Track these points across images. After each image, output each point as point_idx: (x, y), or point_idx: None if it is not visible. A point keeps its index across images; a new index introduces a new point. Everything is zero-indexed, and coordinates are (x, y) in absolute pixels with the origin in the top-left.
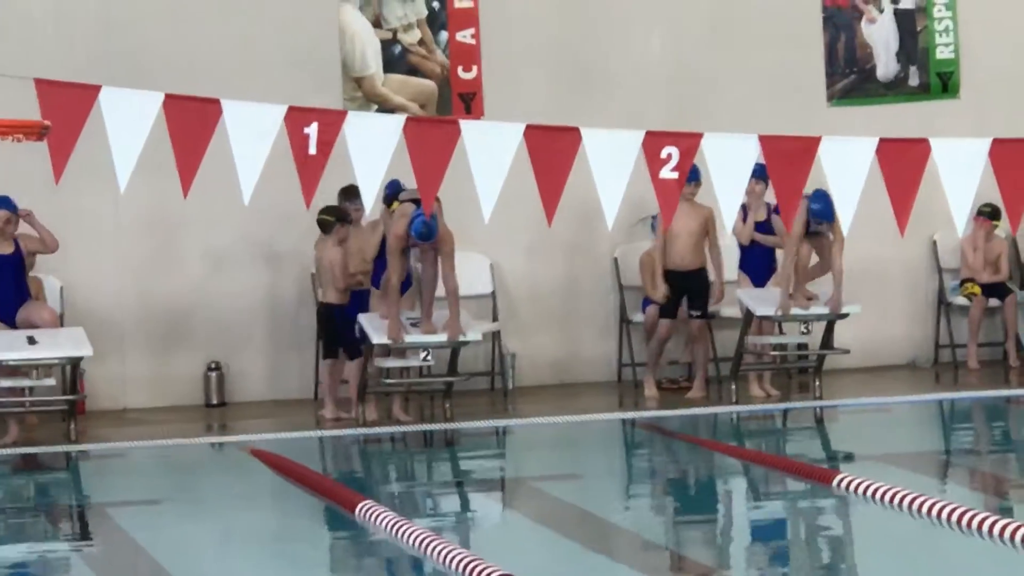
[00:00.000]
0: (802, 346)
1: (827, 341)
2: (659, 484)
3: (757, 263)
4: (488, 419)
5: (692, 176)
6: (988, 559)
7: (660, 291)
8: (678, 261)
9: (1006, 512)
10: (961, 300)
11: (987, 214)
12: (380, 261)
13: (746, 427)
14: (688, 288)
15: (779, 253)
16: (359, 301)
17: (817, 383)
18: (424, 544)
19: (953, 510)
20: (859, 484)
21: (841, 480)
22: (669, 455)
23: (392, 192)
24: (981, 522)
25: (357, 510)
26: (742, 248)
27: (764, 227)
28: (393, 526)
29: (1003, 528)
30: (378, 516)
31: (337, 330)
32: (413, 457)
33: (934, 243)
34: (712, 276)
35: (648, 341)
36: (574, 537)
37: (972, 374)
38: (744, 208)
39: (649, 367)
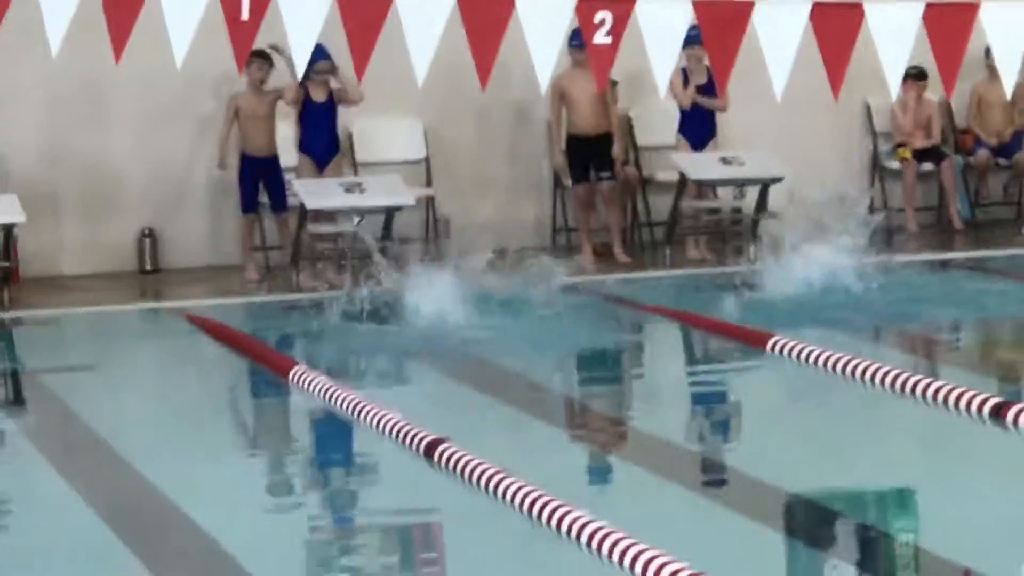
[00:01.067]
0: (736, 210)
1: (761, 205)
2: (588, 346)
3: (697, 128)
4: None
5: (580, 41)
6: (920, 420)
7: (557, 159)
8: (582, 126)
9: (937, 374)
10: (894, 164)
11: (914, 76)
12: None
13: (680, 290)
14: (593, 153)
15: (719, 117)
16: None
17: (752, 247)
18: (356, 409)
19: (887, 373)
20: (793, 347)
21: (775, 343)
22: (601, 318)
23: (318, 56)
24: (915, 385)
25: (291, 375)
26: (682, 112)
27: (707, 90)
28: (326, 391)
29: (936, 390)
30: (311, 381)
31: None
32: (347, 323)
33: (868, 107)
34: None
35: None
36: (505, 399)
37: (911, 237)
38: (684, 72)
39: (582, 233)
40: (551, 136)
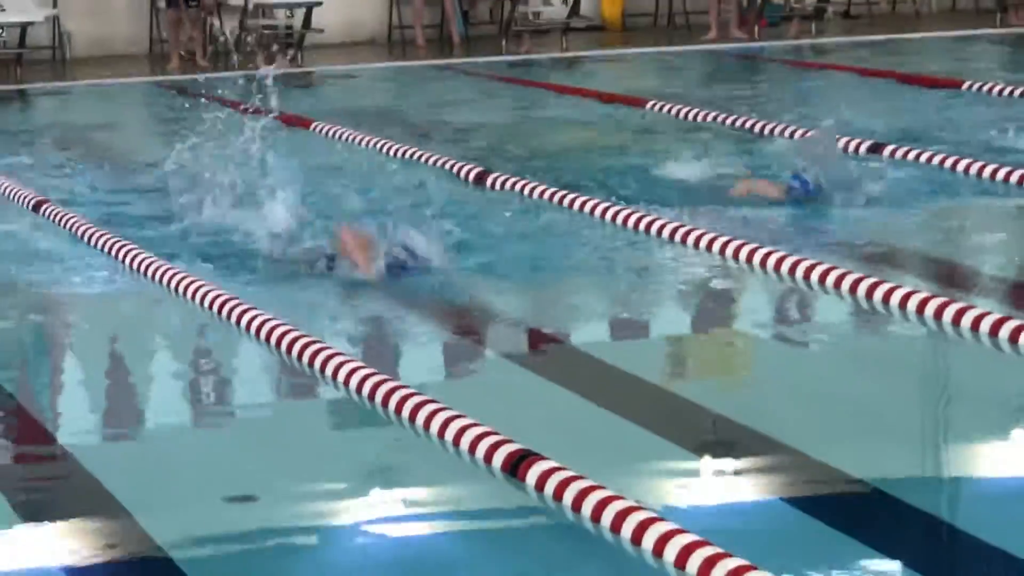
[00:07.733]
0: (288, 27)
1: (307, 22)
2: (171, 141)
3: None
4: (51, 82)
5: None
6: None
7: None
8: None
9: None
10: None
11: None
12: None
13: (245, 90)
14: None
15: None
16: None
17: (299, 54)
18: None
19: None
20: (332, 131)
21: (317, 127)
22: (190, 116)
23: None
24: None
25: None
26: None
27: None
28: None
29: (437, 160)
30: None
31: None
32: None
33: None
34: None
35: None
36: (92, 159)
37: (419, 49)
38: None
39: (172, 46)
40: None
